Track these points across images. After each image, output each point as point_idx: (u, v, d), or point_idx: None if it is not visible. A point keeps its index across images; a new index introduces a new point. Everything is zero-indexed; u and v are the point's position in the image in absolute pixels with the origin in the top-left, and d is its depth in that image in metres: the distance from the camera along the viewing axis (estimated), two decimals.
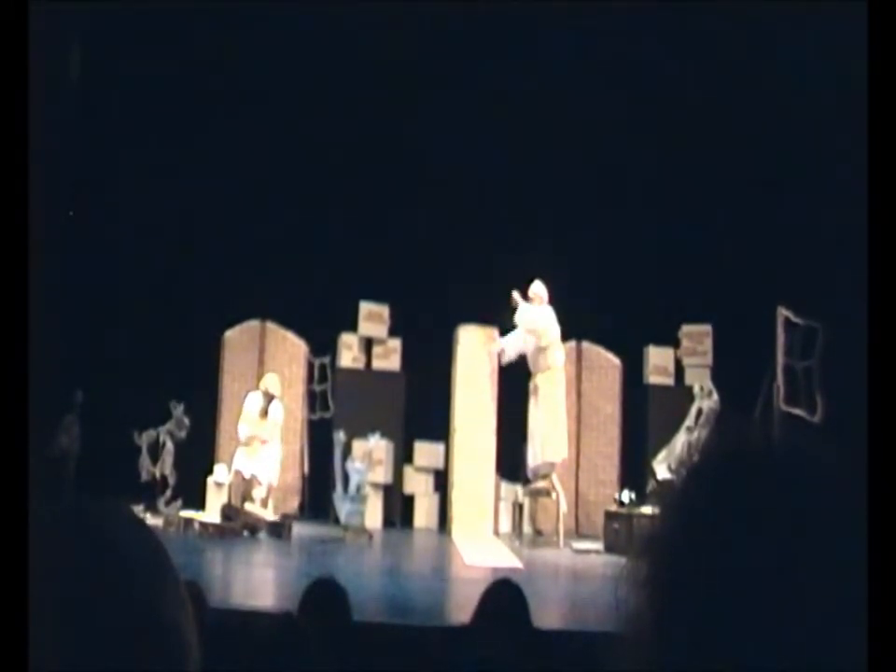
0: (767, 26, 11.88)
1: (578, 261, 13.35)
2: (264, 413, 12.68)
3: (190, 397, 13.22)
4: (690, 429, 12.72)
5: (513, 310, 12.81)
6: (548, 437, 12.51)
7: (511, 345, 13.05)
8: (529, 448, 12.64)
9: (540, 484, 12.68)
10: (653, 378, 14.03)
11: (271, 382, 12.89)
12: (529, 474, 12.78)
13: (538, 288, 12.72)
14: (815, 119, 11.70)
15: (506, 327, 13.45)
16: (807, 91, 11.80)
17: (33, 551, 0.85)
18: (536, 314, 12.65)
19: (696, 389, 13.20)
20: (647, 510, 11.23)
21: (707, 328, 13.81)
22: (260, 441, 12.53)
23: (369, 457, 12.93)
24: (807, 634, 0.81)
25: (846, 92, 7.92)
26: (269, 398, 12.75)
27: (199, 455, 13.13)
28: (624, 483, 13.12)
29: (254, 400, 12.79)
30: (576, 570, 11.26)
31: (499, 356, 13.26)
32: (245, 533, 11.91)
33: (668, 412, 13.22)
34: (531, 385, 12.75)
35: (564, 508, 12.59)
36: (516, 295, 12.70)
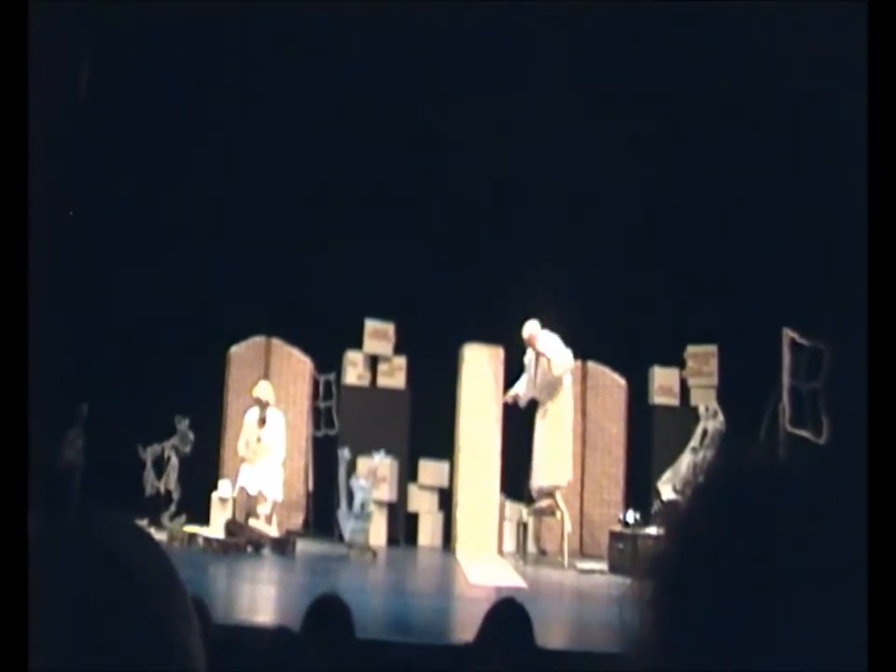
0: (766, 30, 11.87)
1: (583, 281, 13.36)
2: (262, 422, 12.67)
3: (195, 412, 13.23)
4: (695, 450, 12.69)
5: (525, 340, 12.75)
6: (553, 460, 12.45)
7: (524, 389, 12.86)
8: (534, 469, 12.60)
9: (545, 503, 12.64)
10: (659, 398, 14.00)
11: (263, 389, 12.87)
12: (533, 494, 12.76)
13: (529, 328, 12.62)
14: (818, 139, 11.70)
15: (510, 346, 13.46)
16: (810, 107, 11.77)
17: (36, 564, 0.86)
18: (549, 341, 12.60)
19: (702, 410, 13.18)
20: (651, 530, 11.20)
21: (712, 348, 13.78)
22: (263, 450, 12.51)
23: (373, 475, 12.91)
24: (811, 655, 0.81)
25: (848, 106, 7.91)
26: (263, 405, 12.72)
27: (203, 470, 13.13)
28: (629, 503, 13.07)
29: (251, 414, 12.79)
30: (580, 590, 11.23)
31: (515, 401, 12.99)
32: (249, 549, 11.89)
33: (673, 432, 13.20)
34: (539, 408, 12.69)
35: (568, 527, 12.55)
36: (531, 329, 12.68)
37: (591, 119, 13.13)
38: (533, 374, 12.69)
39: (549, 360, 12.45)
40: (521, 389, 12.88)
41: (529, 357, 12.79)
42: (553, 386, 12.54)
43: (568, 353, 12.59)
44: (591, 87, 13.19)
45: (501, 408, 13.63)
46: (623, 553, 11.62)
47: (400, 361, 14.11)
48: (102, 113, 13.63)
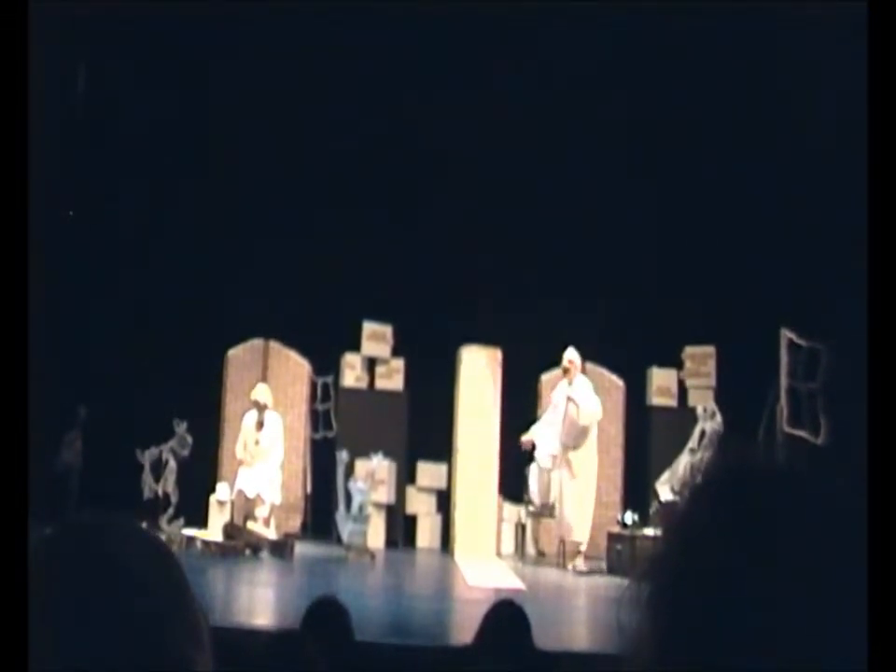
0: (766, 31, 11.87)
1: (580, 282, 13.35)
2: (260, 425, 12.68)
3: (193, 415, 13.21)
4: (693, 451, 12.68)
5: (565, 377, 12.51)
6: (575, 517, 12.31)
7: (546, 440, 12.52)
8: (556, 520, 12.50)
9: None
10: (656, 399, 14.00)
11: (261, 392, 12.87)
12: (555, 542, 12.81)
13: (572, 355, 12.53)
14: (817, 139, 11.70)
15: (508, 347, 13.46)
16: (809, 106, 11.77)
17: (35, 567, 0.85)
18: (582, 386, 12.47)
19: (699, 411, 13.16)
20: (649, 531, 11.20)
21: (710, 349, 13.78)
22: (261, 453, 12.51)
23: (371, 477, 12.90)
24: (811, 655, 0.81)
25: (848, 105, 7.91)
26: (261, 408, 12.72)
27: (201, 473, 13.12)
28: (627, 504, 13.08)
29: (250, 417, 12.79)
30: (578, 592, 11.23)
31: (528, 447, 12.61)
32: (248, 552, 11.88)
33: (671, 433, 13.19)
34: (564, 458, 12.42)
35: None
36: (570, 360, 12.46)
37: (590, 121, 13.14)
38: (561, 418, 12.35)
39: (577, 408, 12.25)
40: (538, 439, 12.55)
41: (558, 398, 12.58)
42: (578, 437, 12.30)
43: (598, 402, 12.49)
44: (589, 88, 13.19)
45: (499, 409, 13.64)
46: (620, 554, 11.62)
47: (398, 363, 14.10)
48: (101, 113, 13.62)
